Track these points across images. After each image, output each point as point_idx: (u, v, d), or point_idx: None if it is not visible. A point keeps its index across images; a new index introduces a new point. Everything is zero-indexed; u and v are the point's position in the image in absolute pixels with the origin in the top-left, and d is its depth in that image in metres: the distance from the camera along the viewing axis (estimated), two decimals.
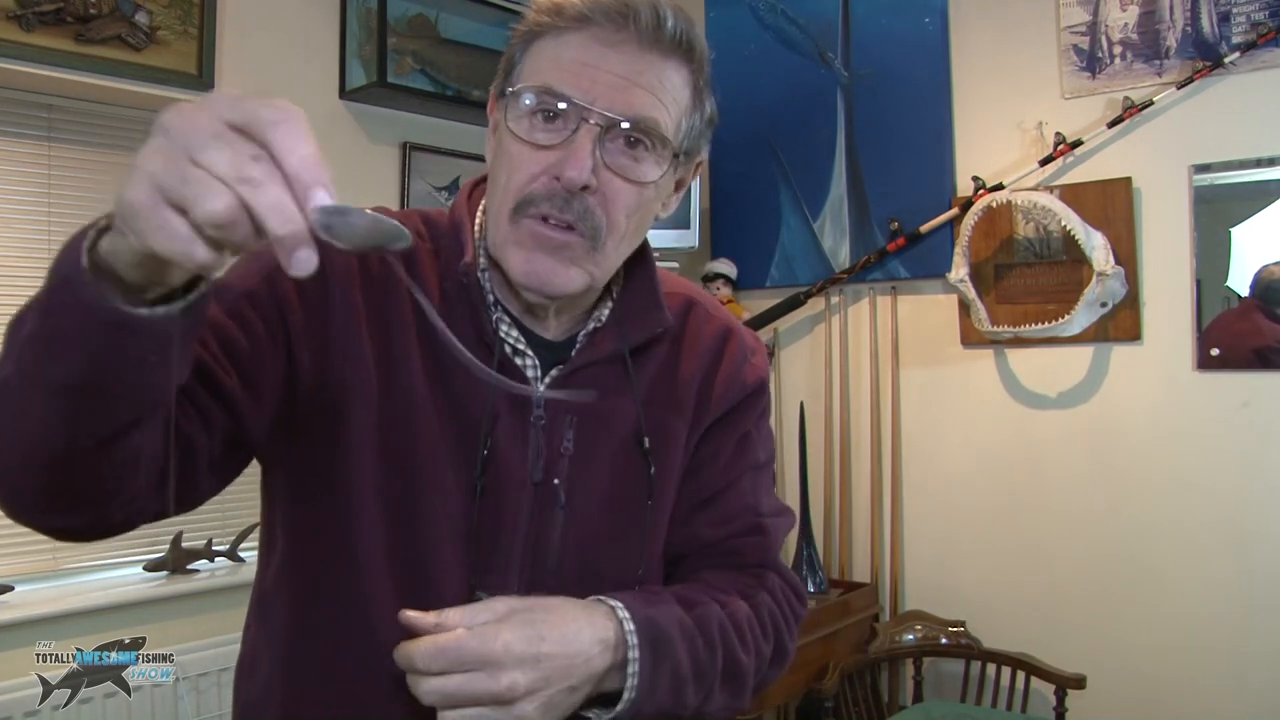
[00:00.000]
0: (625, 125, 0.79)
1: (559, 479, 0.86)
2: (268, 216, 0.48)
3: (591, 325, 0.90)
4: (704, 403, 0.94)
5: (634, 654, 0.78)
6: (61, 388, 0.60)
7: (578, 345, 0.89)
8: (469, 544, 0.83)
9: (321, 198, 0.49)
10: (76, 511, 0.70)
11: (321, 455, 0.83)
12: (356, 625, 0.83)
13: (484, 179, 0.90)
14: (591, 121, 0.78)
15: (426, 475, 0.83)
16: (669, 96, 0.81)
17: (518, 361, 0.86)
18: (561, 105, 0.79)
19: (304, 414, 0.82)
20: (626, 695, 0.79)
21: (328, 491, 0.83)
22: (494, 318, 0.86)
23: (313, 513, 0.84)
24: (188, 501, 0.77)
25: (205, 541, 2.44)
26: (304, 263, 0.49)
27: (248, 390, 0.78)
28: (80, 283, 0.56)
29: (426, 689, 0.73)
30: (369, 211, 0.52)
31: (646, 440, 0.88)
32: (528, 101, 0.80)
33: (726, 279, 3.01)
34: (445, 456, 0.83)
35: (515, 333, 0.86)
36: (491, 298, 0.87)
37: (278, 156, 0.49)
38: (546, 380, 0.87)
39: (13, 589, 2.15)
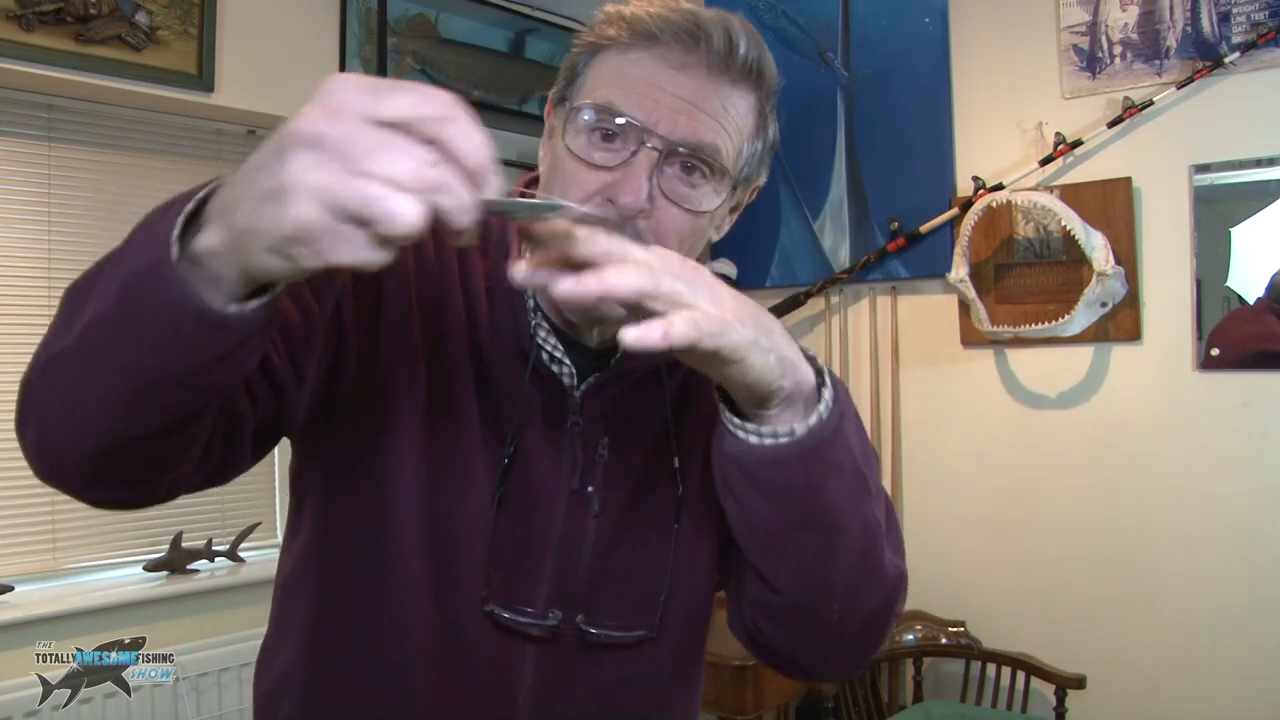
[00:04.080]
0: (684, 151, 0.77)
1: (593, 486, 0.85)
2: (454, 214, 0.49)
3: None
4: None
5: (827, 392, 0.70)
6: (133, 377, 0.58)
7: (619, 354, 0.86)
8: (490, 551, 0.83)
9: (493, 183, 0.50)
10: (121, 487, 0.69)
11: (362, 444, 0.82)
12: (386, 614, 0.83)
13: (535, 179, 0.89)
14: (650, 145, 0.76)
15: (463, 476, 0.83)
16: (733, 124, 0.79)
17: (554, 369, 0.85)
18: (621, 122, 0.77)
19: (347, 400, 0.82)
20: (824, 401, 0.69)
21: (366, 480, 0.82)
22: (532, 324, 0.84)
23: (348, 499, 0.84)
24: (229, 475, 0.77)
25: (205, 541, 2.44)
26: (470, 238, 0.51)
27: (295, 372, 0.78)
28: (170, 276, 0.54)
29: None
30: (522, 197, 0.56)
31: (676, 460, 0.87)
32: (587, 118, 0.78)
33: (726, 279, 3.00)
34: (482, 458, 0.83)
35: (554, 340, 0.85)
36: (532, 303, 0.85)
37: (455, 153, 0.48)
38: (582, 388, 0.85)
39: (13, 589, 2.16)
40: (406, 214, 0.47)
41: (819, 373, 0.70)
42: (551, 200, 0.55)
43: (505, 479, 0.83)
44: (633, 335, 0.58)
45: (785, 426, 0.68)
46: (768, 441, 0.67)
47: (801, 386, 0.67)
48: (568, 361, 0.85)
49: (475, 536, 0.83)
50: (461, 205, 0.49)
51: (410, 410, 0.82)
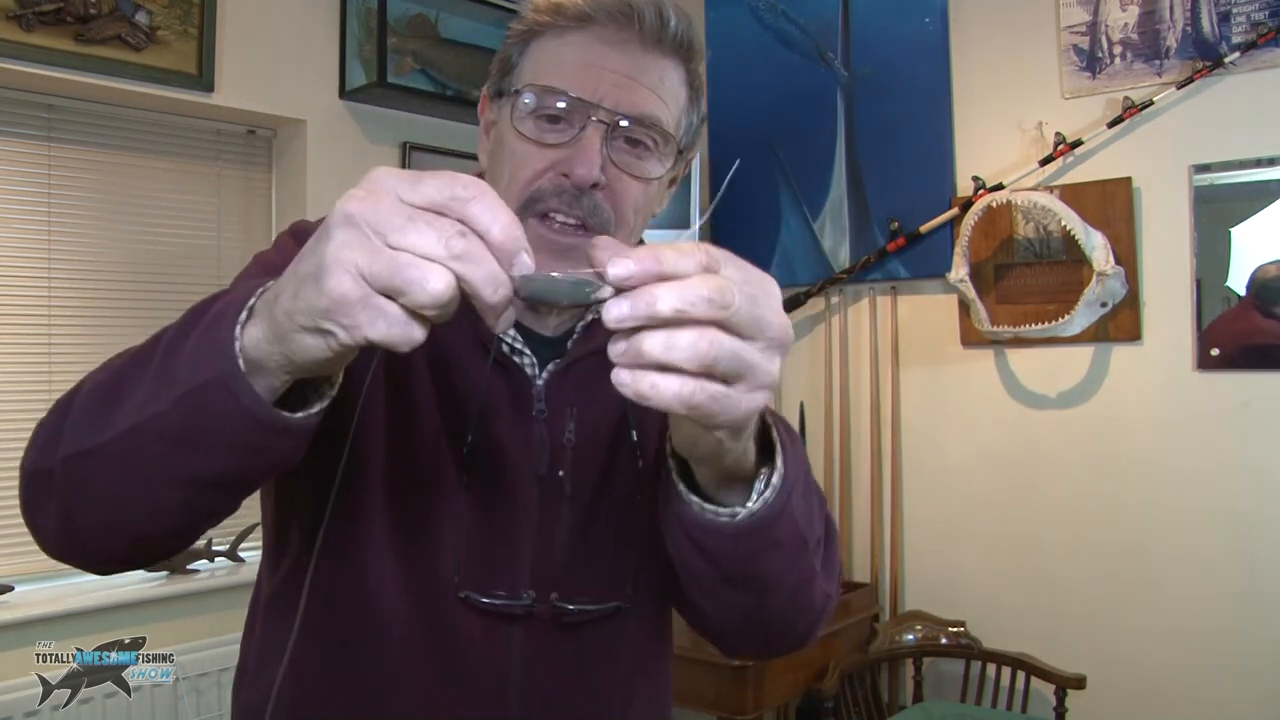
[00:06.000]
0: (628, 123, 0.80)
1: (563, 471, 0.87)
2: (483, 288, 0.49)
3: (590, 317, 0.90)
4: None
5: (776, 476, 0.66)
6: (192, 482, 0.62)
7: (574, 338, 0.89)
8: (460, 539, 0.84)
9: (525, 261, 0.51)
10: (143, 565, 0.73)
11: (334, 457, 0.83)
12: (367, 612, 0.84)
13: (481, 174, 0.89)
14: (597, 119, 0.79)
15: (427, 469, 0.84)
16: (669, 95, 0.82)
17: (515, 359, 0.87)
18: (562, 105, 0.79)
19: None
20: (771, 486, 0.65)
21: (340, 492, 0.83)
22: None
23: (323, 514, 0.84)
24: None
25: (205, 541, 2.44)
26: (507, 322, 0.52)
27: None
28: (243, 389, 0.56)
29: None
30: (565, 275, 0.52)
31: (634, 433, 0.89)
32: (528, 100, 0.80)
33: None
34: (446, 450, 0.84)
35: (513, 332, 0.87)
36: None
37: (480, 230, 0.50)
38: (544, 376, 0.87)
39: (13, 589, 2.15)
40: (434, 282, 0.48)
41: (768, 448, 0.66)
42: (590, 281, 0.52)
43: (469, 468, 0.84)
44: (621, 379, 0.54)
45: (729, 497, 0.66)
46: (708, 515, 0.66)
47: (743, 467, 0.64)
48: (528, 351, 0.87)
49: (445, 527, 0.84)
50: (488, 277, 0.49)
51: (373, 411, 0.83)
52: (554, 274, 0.52)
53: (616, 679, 0.91)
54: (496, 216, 0.50)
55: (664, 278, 0.50)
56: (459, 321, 0.84)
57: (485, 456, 0.85)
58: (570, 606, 0.86)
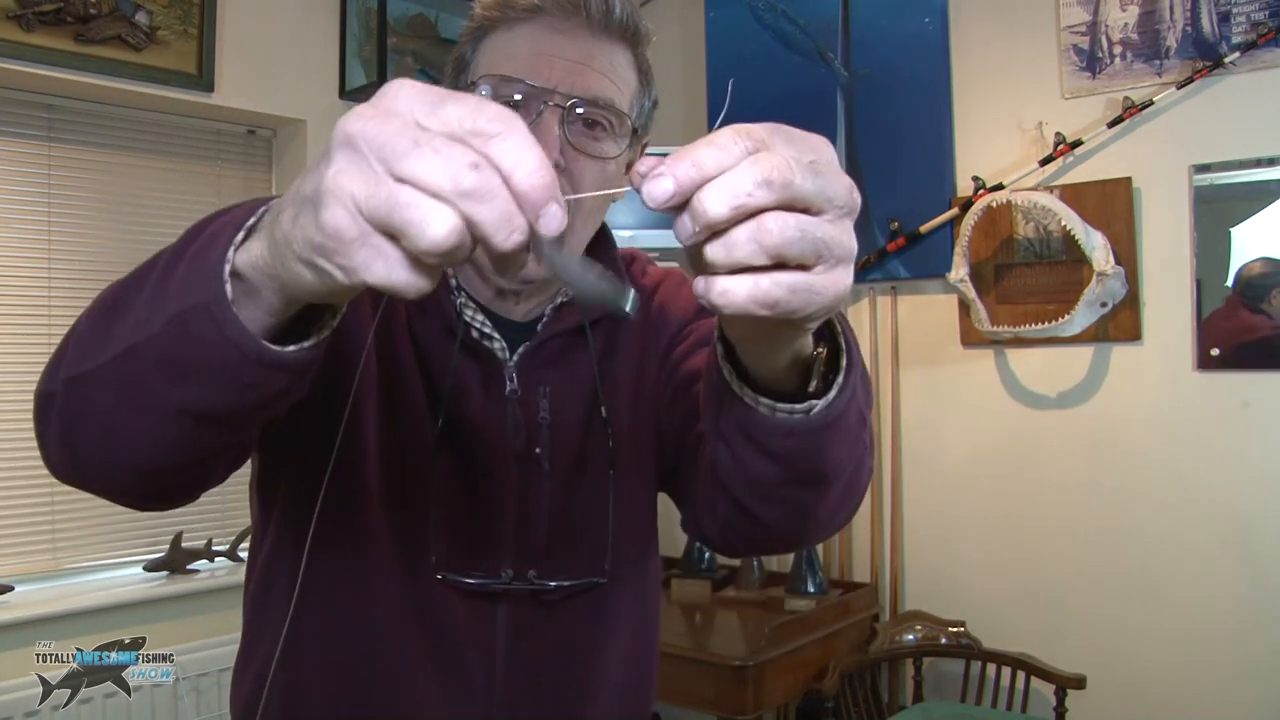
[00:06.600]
0: (582, 109, 0.81)
1: (540, 448, 0.88)
2: (494, 232, 0.42)
3: (559, 300, 0.92)
4: (650, 341, 0.95)
5: (843, 358, 0.63)
6: (184, 414, 0.58)
7: (543, 320, 0.91)
8: (446, 523, 0.85)
9: (554, 213, 0.43)
10: (155, 502, 0.71)
11: (331, 431, 0.83)
12: (360, 593, 0.85)
13: None
14: (553, 104, 0.80)
15: (414, 450, 0.86)
16: (620, 78, 0.85)
17: (485, 344, 0.88)
18: (518, 96, 0.81)
19: (317, 392, 0.83)
20: (840, 373, 0.62)
21: (335, 464, 0.83)
22: (457, 303, 0.88)
23: (316, 486, 0.84)
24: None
25: (205, 541, 2.44)
26: (518, 270, 0.46)
27: None
28: (227, 318, 0.52)
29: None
30: (599, 272, 0.46)
31: (604, 410, 0.91)
32: (485, 92, 0.82)
33: None
34: (430, 433, 0.86)
35: (481, 317, 0.89)
36: (454, 283, 0.89)
37: (504, 171, 0.42)
38: (515, 358, 0.89)
39: (13, 589, 2.16)
40: (434, 226, 0.41)
41: (831, 336, 0.63)
42: (623, 290, 0.46)
43: (443, 449, 0.86)
44: (702, 288, 0.48)
45: (787, 386, 0.62)
46: (780, 416, 0.62)
47: (805, 352, 0.61)
48: (498, 336, 0.89)
49: (427, 509, 0.85)
50: (500, 219, 0.41)
51: (367, 392, 0.85)
52: (589, 261, 0.46)
53: (599, 653, 0.92)
54: (523, 158, 0.42)
55: (709, 180, 0.44)
56: (428, 308, 0.87)
57: (461, 438, 0.86)
58: (550, 584, 0.88)
